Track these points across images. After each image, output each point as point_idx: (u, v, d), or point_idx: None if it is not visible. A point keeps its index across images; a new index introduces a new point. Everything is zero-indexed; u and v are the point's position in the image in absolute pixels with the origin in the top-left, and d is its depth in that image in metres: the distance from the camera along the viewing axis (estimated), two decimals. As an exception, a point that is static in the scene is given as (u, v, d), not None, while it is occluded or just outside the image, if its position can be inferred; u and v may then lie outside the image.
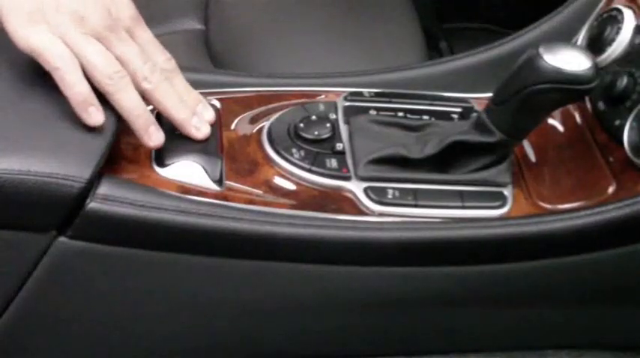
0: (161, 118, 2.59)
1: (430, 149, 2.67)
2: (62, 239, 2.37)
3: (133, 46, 2.43)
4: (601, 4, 3.03)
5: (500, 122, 2.60)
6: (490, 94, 2.67)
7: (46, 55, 2.28)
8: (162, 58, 2.56)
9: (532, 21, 3.17)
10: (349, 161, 2.70)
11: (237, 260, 2.51)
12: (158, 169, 2.51)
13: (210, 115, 2.69)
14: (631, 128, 2.61)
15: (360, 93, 2.94)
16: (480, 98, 3.03)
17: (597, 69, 2.53)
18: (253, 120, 2.89)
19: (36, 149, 2.28)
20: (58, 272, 2.43)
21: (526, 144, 2.89)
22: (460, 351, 2.90)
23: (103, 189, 2.35)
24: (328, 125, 2.76)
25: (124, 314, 2.60)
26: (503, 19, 4.97)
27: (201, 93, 2.73)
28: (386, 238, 2.53)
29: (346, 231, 2.53)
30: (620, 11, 2.84)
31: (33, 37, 2.28)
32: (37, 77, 2.34)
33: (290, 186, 2.65)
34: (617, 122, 2.68)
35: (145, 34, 2.53)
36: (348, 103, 2.89)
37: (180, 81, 2.60)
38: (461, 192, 2.64)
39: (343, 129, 2.81)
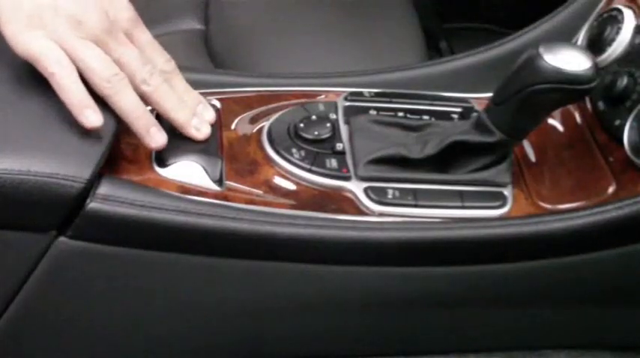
0: (161, 118, 2.59)
1: (430, 149, 2.67)
2: (62, 239, 2.37)
3: (131, 48, 2.43)
4: (601, 4, 3.03)
5: (500, 122, 2.61)
6: (490, 94, 2.67)
7: (43, 61, 2.28)
8: (162, 60, 2.56)
9: (532, 21, 3.17)
10: (349, 161, 2.70)
11: (237, 260, 2.51)
12: (158, 169, 2.51)
13: (210, 115, 2.69)
14: (631, 128, 2.61)
15: (360, 94, 2.94)
16: (480, 98, 3.03)
17: (597, 69, 2.53)
18: (253, 120, 2.89)
19: (36, 149, 2.28)
20: (58, 272, 2.43)
21: (526, 144, 2.89)
22: (460, 351, 2.90)
23: (103, 189, 2.35)
24: (328, 125, 2.77)
25: (124, 314, 2.60)
26: (503, 19, 4.97)
27: (201, 94, 2.73)
28: (386, 238, 2.53)
29: (346, 231, 2.53)
30: (620, 11, 2.84)
31: (31, 43, 2.28)
32: (37, 78, 2.34)
33: (290, 186, 2.65)
34: (617, 122, 2.68)
35: (144, 35, 2.54)
36: (348, 103, 2.89)
37: (179, 82, 2.61)
38: (461, 192, 2.64)
39: (343, 129, 2.81)
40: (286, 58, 3.74)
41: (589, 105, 2.83)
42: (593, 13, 3.03)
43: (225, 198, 2.49)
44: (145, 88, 2.44)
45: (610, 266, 2.67)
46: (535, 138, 2.83)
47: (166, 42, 2.68)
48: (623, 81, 2.68)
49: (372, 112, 2.84)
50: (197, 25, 4.08)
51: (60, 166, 2.25)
